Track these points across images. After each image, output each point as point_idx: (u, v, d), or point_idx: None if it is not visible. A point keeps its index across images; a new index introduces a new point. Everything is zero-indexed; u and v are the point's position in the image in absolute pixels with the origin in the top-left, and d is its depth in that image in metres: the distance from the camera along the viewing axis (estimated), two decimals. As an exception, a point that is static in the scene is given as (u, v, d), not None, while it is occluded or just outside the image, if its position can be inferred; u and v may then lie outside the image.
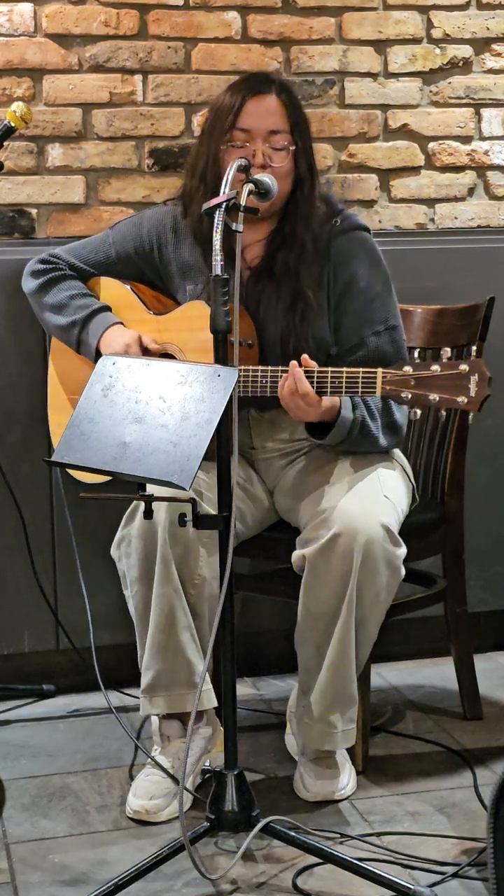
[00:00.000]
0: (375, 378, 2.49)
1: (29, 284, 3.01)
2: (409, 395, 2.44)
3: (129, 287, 2.96)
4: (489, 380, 2.39)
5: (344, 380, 2.55)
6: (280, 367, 2.63)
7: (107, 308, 2.92)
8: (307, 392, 2.57)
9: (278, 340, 2.82)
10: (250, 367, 2.65)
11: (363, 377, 2.52)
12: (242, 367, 2.64)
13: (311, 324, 2.80)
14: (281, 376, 2.61)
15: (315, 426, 2.70)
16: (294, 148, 2.79)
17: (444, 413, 2.47)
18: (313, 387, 2.57)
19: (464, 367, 2.39)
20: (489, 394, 2.39)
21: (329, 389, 2.57)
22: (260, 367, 2.65)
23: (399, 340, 2.84)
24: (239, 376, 2.63)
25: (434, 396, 2.42)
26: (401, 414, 2.77)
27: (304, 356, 2.60)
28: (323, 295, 2.81)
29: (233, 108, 2.78)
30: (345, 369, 2.55)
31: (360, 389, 2.53)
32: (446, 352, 2.43)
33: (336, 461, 2.79)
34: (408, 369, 2.45)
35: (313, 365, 2.58)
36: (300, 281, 2.79)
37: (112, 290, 2.97)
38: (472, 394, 2.39)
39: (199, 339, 2.68)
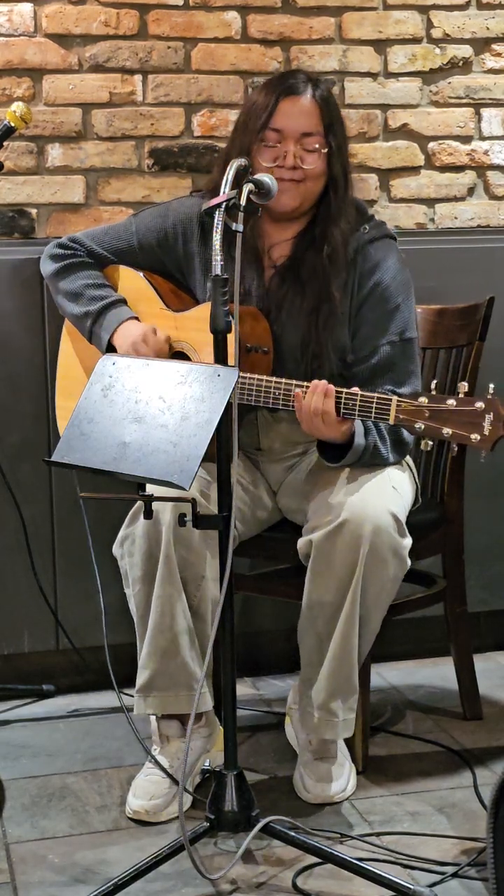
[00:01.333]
0: (390, 405, 2.49)
1: (46, 267, 2.99)
2: (423, 427, 2.43)
3: (147, 280, 2.92)
4: None
5: (358, 403, 2.54)
6: (294, 381, 2.61)
7: (122, 301, 2.90)
8: (328, 410, 2.56)
9: (298, 344, 2.80)
10: (264, 378, 2.64)
11: (377, 403, 2.51)
12: (257, 377, 2.63)
13: (332, 329, 2.79)
14: (295, 390, 2.59)
15: (326, 444, 2.70)
16: (327, 150, 2.77)
17: (455, 447, 2.46)
18: None
19: (480, 404, 2.38)
20: (503, 435, 2.38)
21: (342, 410, 2.56)
22: (274, 378, 2.63)
23: (411, 353, 2.82)
24: (253, 385, 2.64)
25: (447, 430, 2.41)
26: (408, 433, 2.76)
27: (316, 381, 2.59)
28: (346, 302, 2.80)
29: (266, 107, 2.76)
30: (359, 392, 2.54)
31: (373, 414, 2.52)
32: (463, 386, 2.42)
33: None
34: (423, 400, 2.44)
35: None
36: (327, 283, 2.77)
37: (130, 281, 2.95)
38: (486, 432, 2.38)
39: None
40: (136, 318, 2.87)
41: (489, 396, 2.39)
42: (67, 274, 2.95)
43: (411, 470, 2.89)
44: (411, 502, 2.83)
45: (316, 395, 2.57)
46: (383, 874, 2.38)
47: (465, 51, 3.59)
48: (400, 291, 2.82)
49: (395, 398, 2.48)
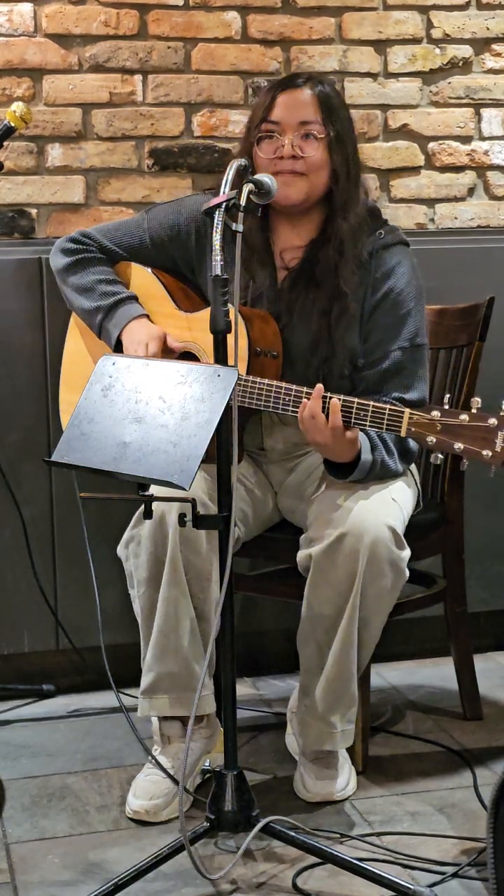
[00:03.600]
0: (402, 418, 2.47)
1: (58, 261, 2.97)
2: (434, 441, 2.42)
3: (156, 277, 2.92)
4: None
5: (370, 414, 2.53)
6: (305, 389, 2.59)
7: (133, 298, 2.89)
8: (337, 425, 2.54)
9: (308, 345, 2.80)
10: (274, 383, 2.63)
11: (389, 415, 2.50)
12: (266, 381, 2.63)
13: (343, 332, 2.78)
14: (304, 398, 2.58)
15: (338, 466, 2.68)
16: (325, 138, 2.76)
17: (465, 462, 2.46)
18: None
19: (493, 420, 2.37)
20: None
21: (353, 421, 2.55)
22: (284, 385, 2.62)
23: (422, 359, 2.81)
24: (262, 389, 2.63)
25: (459, 445, 2.40)
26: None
27: (319, 385, 2.56)
28: (359, 305, 2.79)
29: (264, 103, 2.78)
30: (371, 403, 2.53)
31: (384, 426, 2.52)
32: (476, 402, 2.41)
33: None
34: (436, 414, 2.43)
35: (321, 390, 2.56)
36: (339, 279, 2.76)
37: (140, 278, 2.94)
38: (498, 449, 2.37)
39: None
40: (147, 316, 2.87)
41: (502, 413, 2.39)
42: (79, 269, 2.94)
43: (411, 473, 2.89)
44: (412, 510, 2.83)
45: (312, 404, 2.55)
46: (383, 874, 2.38)
47: (465, 51, 3.59)
48: (413, 297, 2.81)
49: (407, 411, 2.46)
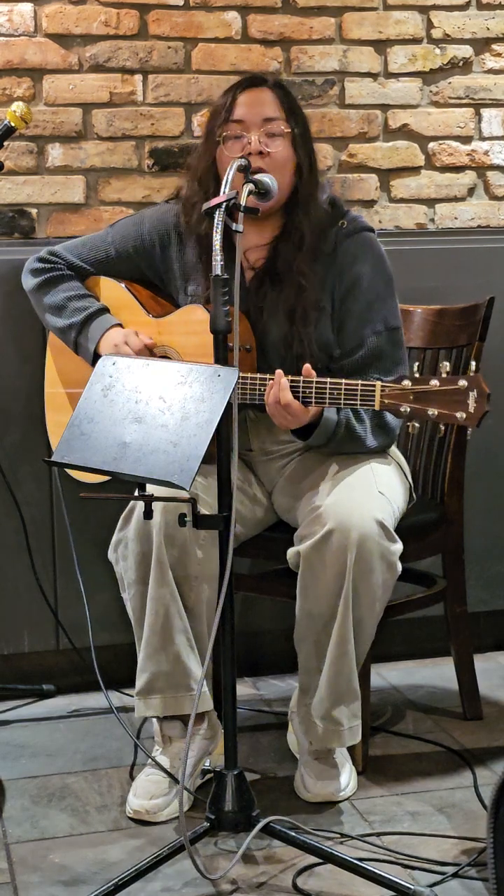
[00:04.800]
0: (374, 391, 2.49)
1: (28, 282, 3.01)
2: (408, 410, 2.44)
3: (125, 288, 2.95)
4: (488, 396, 2.38)
5: (343, 391, 2.55)
6: (269, 376, 2.62)
7: (105, 310, 2.92)
8: (289, 402, 2.57)
9: (281, 343, 2.81)
10: (248, 375, 2.65)
11: (362, 390, 2.52)
12: (241, 374, 2.63)
13: (313, 324, 2.80)
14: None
15: (301, 428, 2.70)
16: (290, 133, 2.79)
17: (442, 427, 2.47)
18: (311, 397, 2.57)
19: (462, 382, 2.39)
20: (488, 410, 2.39)
21: (328, 400, 2.56)
22: (259, 375, 2.64)
23: (398, 341, 2.83)
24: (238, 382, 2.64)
25: (433, 411, 2.42)
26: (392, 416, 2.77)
27: (307, 366, 2.59)
28: (327, 297, 2.81)
29: (226, 104, 2.81)
30: (343, 381, 2.55)
31: (358, 402, 2.53)
32: (445, 366, 2.43)
33: (331, 459, 2.79)
34: (406, 383, 2.44)
35: (313, 375, 2.57)
36: (302, 276, 2.78)
37: (109, 290, 2.97)
38: (471, 409, 2.39)
39: (197, 343, 2.68)
40: (120, 326, 2.88)
41: (471, 374, 2.40)
42: (49, 288, 2.96)
43: (399, 465, 2.89)
44: (403, 502, 2.83)
45: (274, 387, 2.58)
46: (383, 874, 2.38)
47: (466, 51, 3.59)
48: (380, 282, 2.83)
49: (378, 383, 2.49)
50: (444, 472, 3.13)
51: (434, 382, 2.42)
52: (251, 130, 2.77)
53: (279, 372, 2.58)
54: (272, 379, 2.60)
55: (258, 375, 2.64)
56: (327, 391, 2.56)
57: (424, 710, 3.26)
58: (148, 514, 2.40)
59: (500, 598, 3.62)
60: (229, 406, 2.29)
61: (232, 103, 2.80)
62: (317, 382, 2.57)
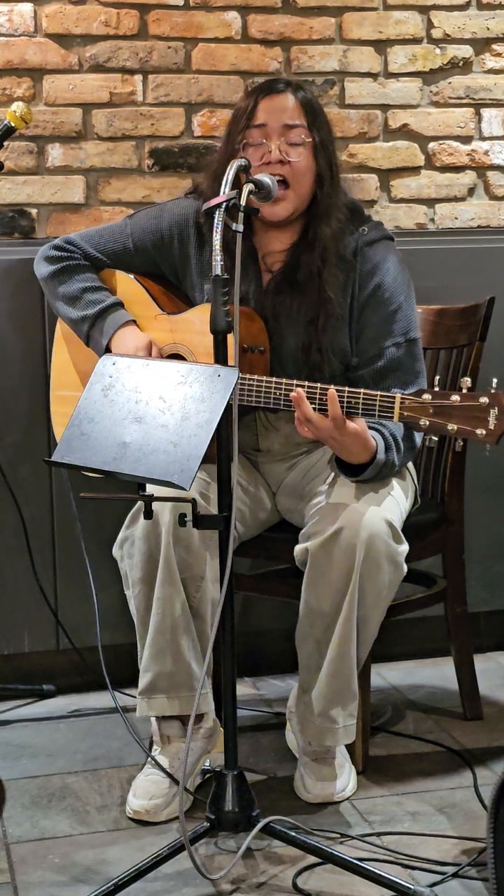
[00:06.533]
0: (394, 403, 2.48)
1: (42, 270, 2.98)
2: (427, 423, 2.43)
3: (140, 283, 2.92)
4: None
5: (361, 401, 2.53)
6: (296, 381, 2.57)
7: (119, 304, 2.89)
8: (336, 415, 2.51)
9: (299, 349, 2.79)
10: (262, 378, 2.63)
11: (381, 401, 2.50)
12: (257, 378, 2.62)
13: (332, 333, 2.78)
14: (296, 389, 2.56)
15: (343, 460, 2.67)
16: (312, 142, 2.77)
17: (460, 443, 2.46)
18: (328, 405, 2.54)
19: (484, 399, 2.38)
20: None
21: (345, 409, 2.54)
22: (274, 379, 2.61)
23: (417, 353, 2.81)
24: (252, 386, 2.63)
25: (452, 426, 2.41)
26: (418, 436, 2.75)
27: (332, 390, 2.53)
28: (346, 304, 2.79)
29: (247, 108, 2.77)
30: (363, 391, 2.53)
31: (377, 413, 2.52)
32: (466, 382, 2.42)
33: None
34: (427, 397, 2.44)
35: (335, 399, 2.52)
36: (323, 285, 2.75)
37: (123, 285, 2.94)
38: (491, 426, 2.38)
39: (210, 342, 2.67)
40: (134, 322, 2.87)
41: (492, 391, 2.40)
42: (64, 277, 2.94)
43: (409, 472, 2.89)
44: (409, 505, 2.83)
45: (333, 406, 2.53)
46: (383, 874, 2.38)
47: (466, 51, 3.59)
48: (401, 292, 2.81)
49: (398, 395, 2.48)
50: (444, 472, 3.13)
51: (455, 398, 2.41)
52: (272, 137, 2.75)
53: (332, 392, 2.51)
54: (293, 385, 2.57)
55: (273, 379, 2.62)
56: (345, 400, 2.54)
57: (425, 710, 3.26)
58: (148, 514, 2.40)
59: (501, 598, 3.63)
60: (229, 406, 2.29)
61: (254, 108, 2.76)
62: (336, 391, 2.54)
